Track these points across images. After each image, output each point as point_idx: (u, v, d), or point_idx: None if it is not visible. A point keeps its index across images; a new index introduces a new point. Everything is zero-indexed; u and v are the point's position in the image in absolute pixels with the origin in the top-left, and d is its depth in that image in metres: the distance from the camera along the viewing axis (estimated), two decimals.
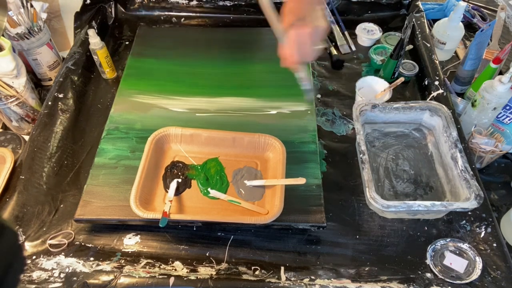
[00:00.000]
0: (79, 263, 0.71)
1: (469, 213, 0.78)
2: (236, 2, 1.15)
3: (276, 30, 0.68)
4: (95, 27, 1.09)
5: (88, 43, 0.98)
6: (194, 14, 1.18)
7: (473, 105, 0.87)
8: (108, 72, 1.02)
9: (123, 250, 0.74)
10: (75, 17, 1.09)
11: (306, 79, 0.72)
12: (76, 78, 0.99)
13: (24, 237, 0.75)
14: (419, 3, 1.16)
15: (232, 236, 0.76)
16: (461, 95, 1.02)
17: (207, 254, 0.74)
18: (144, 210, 0.71)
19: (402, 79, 0.94)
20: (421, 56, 1.04)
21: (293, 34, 0.66)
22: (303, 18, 0.66)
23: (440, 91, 0.95)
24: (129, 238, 0.76)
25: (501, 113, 0.85)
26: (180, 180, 0.79)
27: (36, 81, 1.04)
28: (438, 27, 1.09)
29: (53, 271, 0.70)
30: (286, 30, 0.67)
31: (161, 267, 0.72)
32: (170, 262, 0.73)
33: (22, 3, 0.92)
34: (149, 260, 0.73)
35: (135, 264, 0.72)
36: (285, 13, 0.68)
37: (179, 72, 1.01)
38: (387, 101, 0.90)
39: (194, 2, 1.16)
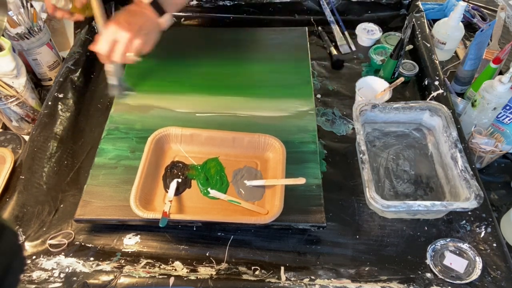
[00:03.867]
0: (79, 263, 0.71)
1: (469, 213, 0.78)
2: (236, 2, 1.15)
3: (99, 23, 0.75)
4: (95, 27, 1.09)
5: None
6: (194, 14, 1.18)
7: (473, 105, 0.87)
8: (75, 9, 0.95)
9: (123, 250, 0.74)
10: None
11: (114, 73, 0.78)
12: (76, 78, 0.99)
13: (24, 237, 0.75)
14: (419, 3, 1.15)
15: (232, 236, 0.76)
16: (461, 95, 1.02)
17: (207, 254, 0.74)
18: (144, 210, 0.71)
19: (402, 79, 0.94)
20: (421, 56, 1.04)
21: (109, 28, 0.72)
22: (129, 22, 0.73)
23: (440, 91, 0.95)
24: (129, 238, 0.76)
25: (501, 113, 0.85)
26: (180, 180, 0.79)
27: (36, 81, 1.04)
28: (438, 27, 1.09)
29: (53, 271, 0.70)
30: (107, 25, 0.73)
31: (161, 267, 0.72)
32: (170, 262, 0.73)
33: (22, 3, 0.92)
34: (149, 260, 0.73)
35: (135, 264, 0.72)
36: (121, 12, 0.75)
37: (179, 72, 1.01)
38: (387, 101, 0.90)
39: (194, 2, 1.16)
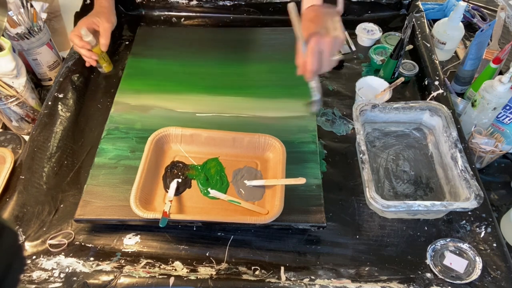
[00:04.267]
0: (79, 263, 0.71)
1: (469, 213, 0.78)
2: (236, 2, 1.15)
3: (299, 37, 0.68)
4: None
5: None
6: (194, 14, 1.18)
7: (473, 105, 0.87)
8: (105, 67, 1.03)
9: (123, 250, 0.74)
10: (75, 17, 1.09)
11: (318, 89, 0.72)
12: (76, 78, 0.99)
13: (24, 237, 0.75)
14: (419, 3, 1.16)
15: (232, 236, 0.76)
16: (461, 95, 1.02)
17: (207, 254, 0.74)
18: (144, 210, 0.71)
19: (402, 79, 0.94)
20: (421, 56, 1.04)
21: (313, 43, 0.66)
22: (324, 27, 0.67)
23: (440, 91, 0.95)
24: (129, 238, 0.76)
25: (501, 113, 0.85)
26: (180, 180, 0.79)
27: (36, 81, 1.04)
28: (438, 27, 1.09)
29: (53, 271, 0.70)
30: (306, 39, 0.67)
31: (161, 267, 0.72)
32: (170, 262, 0.73)
33: (22, 3, 0.92)
34: (149, 260, 0.73)
35: (135, 264, 0.72)
36: (305, 22, 0.69)
37: (179, 72, 1.01)
38: (387, 101, 0.90)
39: (194, 2, 1.16)
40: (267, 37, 1.10)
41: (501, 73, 0.95)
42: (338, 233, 0.77)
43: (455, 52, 1.14)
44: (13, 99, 0.89)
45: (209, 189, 0.78)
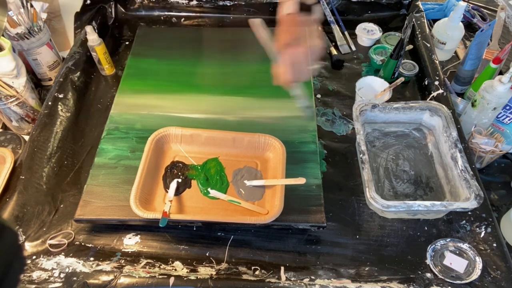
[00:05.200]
0: (79, 263, 0.71)
1: (469, 213, 0.78)
2: (236, 2, 1.15)
3: (269, 49, 0.68)
4: (95, 27, 1.09)
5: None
6: (194, 14, 1.18)
7: (473, 105, 0.87)
8: (107, 69, 1.03)
9: (123, 250, 0.74)
10: (75, 17, 1.09)
11: (302, 96, 0.71)
12: (76, 78, 0.99)
13: (24, 237, 0.75)
14: (419, 3, 1.16)
15: (232, 236, 0.76)
16: (461, 95, 1.02)
17: (207, 254, 0.74)
18: (144, 210, 0.71)
19: (402, 79, 0.94)
20: (421, 56, 1.04)
21: (288, 53, 0.66)
22: (298, 38, 0.66)
23: (440, 91, 0.95)
24: (129, 238, 0.76)
25: (501, 113, 0.85)
26: (180, 180, 0.79)
27: (36, 81, 1.04)
28: (438, 27, 1.09)
29: (53, 271, 0.70)
30: (281, 49, 0.66)
31: (161, 267, 0.72)
32: (170, 262, 0.73)
33: (22, 3, 0.92)
34: (149, 260, 0.73)
35: (135, 264, 0.72)
36: (280, 33, 0.67)
37: (179, 72, 1.01)
38: (387, 101, 0.90)
39: (194, 2, 1.16)
40: None
41: (501, 73, 0.95)
42: (338, 233, 0.77)
43: (455, 52, 1.14)
44: (13, 99, 0.89)
45: (209, 189, 0.78)
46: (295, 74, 0.67)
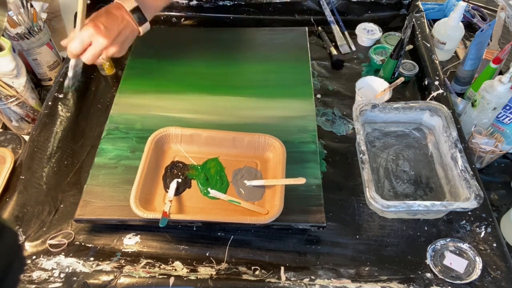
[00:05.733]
0: (79, 263, 0.72)
1: (469, 213, 0.78)
2: (236, 2, 1.15)
3: (79, 21, 0.75)
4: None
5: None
6: (194, 14, 1.18)
7: (473, 105, 0.87)
8: (107, 69, 1.03)
9: (123, 250, 0.74)
10: (75, 17, 1.09)
11: (72, 67, 0.80)
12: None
13: (24, 237, 0.75)
14: (419, 3, 1.15)
15: (232, 236, 0.76)
16: (461, 95, 1.02)
17: (207, 254, 0.74)
18: (144, 210, 0.71)
19: (402, 79, 0.94)
20: (421, 56, 1.04)
21: (90, 30, 0.73)
22: (107, 26, 0.73)
23: (440, 91, 0.95)
24: (129, 238, 0.76)
25: (501, 113, 0.85)
26: (180, 180, 0.79)
27: (36, 81, 1.04)
28: (438, 27, 1.09)
29: (53, 271, 0.70)
30: (86, 24, 0.74)
31: (161, 267, 0.72)
32: (170, 262, 0.73)
33: (22, 3, 0.92)
34: (149, 260, 0.73)
35: (135, 264, 0.72)
36: (98, 14, 0.76)
37: (179, 72, 1.01)
38: (387, 101, 0.90)
39: (194, 2, 1.16)
40: (266, 37, 1.10)
41: (501, 73, 0.95)
42: (338, 233, 0.77)
43: (455, 52, 1.14)
44: (13, 99, 0.89)
45: (209, 189, 0.78)
46: (85, 53, 0.74)
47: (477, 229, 0.77)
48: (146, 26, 0.80)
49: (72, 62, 0.80)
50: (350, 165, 0.87)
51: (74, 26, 1.09)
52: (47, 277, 0.69)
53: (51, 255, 0.73)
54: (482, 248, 0.74)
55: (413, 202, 0.71)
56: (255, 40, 1.11)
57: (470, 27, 1.20)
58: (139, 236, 0.76)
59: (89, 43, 0.74)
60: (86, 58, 0.75)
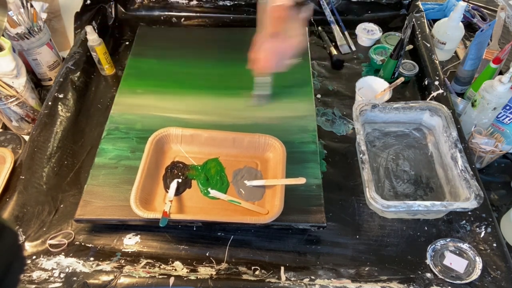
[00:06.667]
0: (79, 263, 0.71)
1: (469, 213, 0.78)
2: (236, 2, 1.15)
3: (265, 30, 0.71)
4: (95, 27, 1.09)
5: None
6: (194, 14, 1.18)
7: (473, 105, 0.87)
8: (107, 69, 1.03)
9: (123, 250, 0.74)
10: (75, 17, 1.09)
11: (268, 85, 0.79)
12: (76, 78, 0.99)
13: (24, 237, 0.75)
14: (419, 3, 1.16)
15: (232, 236, 0.76)
16: (461, 95, 1.02)
17: (207, 254, 0.74)
18: (144, 210, 0.71)
19: (402, 79, 0.94)
20: (421, 56, 1.04)
21: (276, 44, 0.70)
22: (285, 31, 0.70)
23: (440, 91, 0.95)
24: (129, 238, 0.76)
25: (501, 113, 0.85)
26: (180, 180, 0.79)
27: (36, 81, 1.04)
28: (438, 27, 1.09)
29: (53, 271, 0.70)
30: (267, 38, 0.70)
31: (161, 267, 0.72)
32: (170, 262, 0.73)
33: (22, 3, 0.92)
34: (149, 260, 0.73)
35: (135, 264, 0.72)
36: (268, 21, 0.71)
37: (179, 72, 1.01)
38: (387, 101, 0.90)
39: (194, 2, 1.16)
40: None
41: (501, 73, 0.95)
42: (338, 233, 0.77)
43: (455, 52, 1.14)
44: (13, 99, 0.89)
45: (209, 189, 0.78)
46: (276, 64, 0.72)
47: (477, 229, 0.77)
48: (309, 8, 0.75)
49: (265, 80, 0.80)
50: (350, 165, 0.87)
51: (74, 26, 1.10)
52: (47, 277, 0.69)
53: (51, 255, 0.73)
54: (482, 248, 0.74)
55: (413, 202, 0.71)
56: None
57: (470, 27, 1.20)
58: (139, 236, 0.76)
59: (275, 52, 0.73)
60: (279, 66, 0.75)
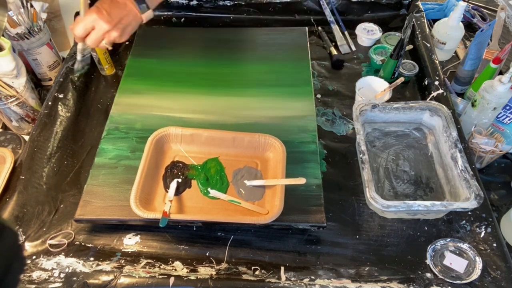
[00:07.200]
0: (79, 263, 0.72)
1: (469, 213, 0.78)
2: (236, 2, 1.15)
3: (82, 7, 0.80)
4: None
5: None
6: (194, 14, 1.18)
7: (473, 105, 0.87)
8: (107, 69, 1.03)
9: (123, 250, 0.74)
10: (75, 17, 1.09)
11: (80, 50, 0.88)
12: (76, 78, 0.99)
13: (24, 237, 0.75)
14: (419, 3, 1.16)
15: (232, 236, 0.76)
16: (461, 95, 1.02)
17: (207, 254, 0.74)
18: (144, 210, 0.71)
19: (402, 79, 0.94)
20: (421, 56, 1.04)
21: (93, 14, 0.76)
22: (110, 11, 0.77)
23: (440, 91, 0.95)
24: (129, 238, 0.76)
25: (501, 113, 0.85)
26: (180, 180, 0.79)
27: (36, 81, 1.04)
28: (438, 27, 1.09)
29: (53, 271, 0.70)
30: (89, 10, 0.78)
31: (161, 267, 0.72)
32: (170, 262, 0.73)
33: (22, 3, 0.92)
34: (149, 260, 0.73)
35: (135, 264, 0.72)
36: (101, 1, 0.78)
37: (179, 72, 1.01)
38: (387, 101, 0.90)
39: (194, 2, 1.16)
40: (267, 37, 1.10)
41: (501, 73, 0.95)
42: (338, 233, 0.77)
43: (455, 52, 1.14)
44: (13, 99, 0.89)
45: (209, 189, 0.78)
46: (89, 37, 0.78)
47: (477, 229, 0.77)
48: (149, 14, 0.83)
49: (79, 46, 0.86)
50: (350, 165, 0.87)
51: None
52: (47, 277, 0.69)
53: (51, 255, 0.73)
54: (482, 248, 0.74)
55: (413, 202, 0.71)
56: (255, 40, 1.11)
57: (470, 27, 1.20)
58: (139, 236, 0.76)
59: (92, 27, 0.78)
60: (90, 42, 0.79)
